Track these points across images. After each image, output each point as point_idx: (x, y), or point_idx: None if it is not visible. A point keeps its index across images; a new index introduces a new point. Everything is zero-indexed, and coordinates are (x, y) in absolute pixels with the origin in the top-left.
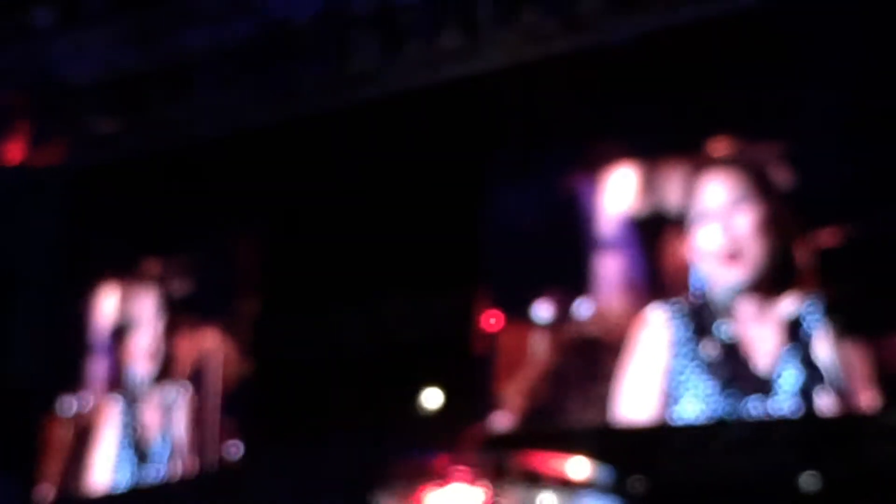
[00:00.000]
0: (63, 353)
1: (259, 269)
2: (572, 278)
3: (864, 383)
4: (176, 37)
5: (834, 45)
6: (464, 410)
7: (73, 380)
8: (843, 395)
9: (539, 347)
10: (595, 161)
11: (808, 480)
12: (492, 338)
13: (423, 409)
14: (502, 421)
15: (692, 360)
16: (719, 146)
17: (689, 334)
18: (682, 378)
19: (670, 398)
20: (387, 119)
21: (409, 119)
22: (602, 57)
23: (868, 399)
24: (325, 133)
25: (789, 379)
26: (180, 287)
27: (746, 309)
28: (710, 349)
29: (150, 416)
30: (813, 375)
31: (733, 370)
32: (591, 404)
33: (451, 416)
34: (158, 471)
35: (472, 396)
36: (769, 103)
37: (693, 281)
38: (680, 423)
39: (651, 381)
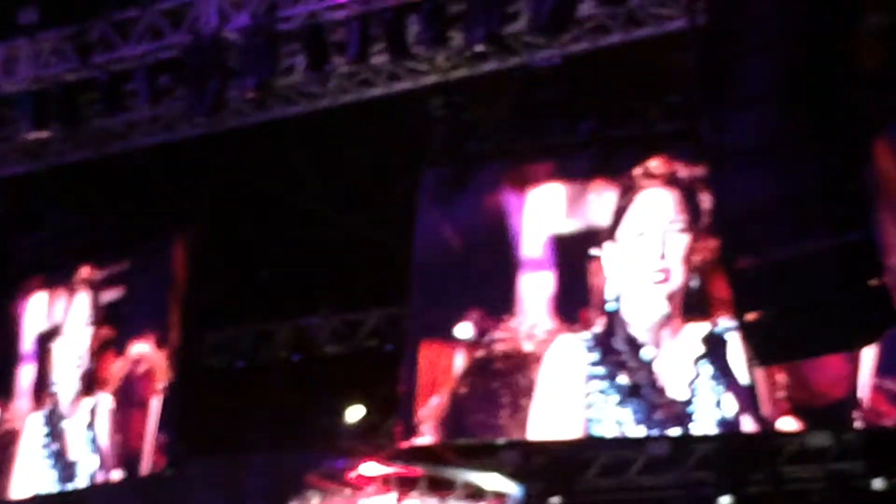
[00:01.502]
0: None
1: (189, 280)
2: (496, 297)
3: (779, 406)
4: (110, 49)
5: (758, 68)
6: (385, 424)
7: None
8: (760, 416)
9: (460, 365)
10: (523, 181)
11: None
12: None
13: (345, 422)
14: (421, 434)
15: (608, 384)
16: (652, 167)
17: (601, 360)
18: (598, 402)
19: (587, 421)
20: (316, 134)
21: (338, 135)
22: (530, 78)
23: (784, 421)
24: (254, 146)
25: (706, 401)
26: (111, 296)
27: (665, 330)
28: (625, 374)
29: (76, 425)
30: (729, 397)
31: (650, 393)
32: (511, 421)
33: (372, 429)
34: (82, 481)
35: (393, 410)
36: (694, 126)
37: (609, 301)
38: (598, 440)
39: (566, 405)
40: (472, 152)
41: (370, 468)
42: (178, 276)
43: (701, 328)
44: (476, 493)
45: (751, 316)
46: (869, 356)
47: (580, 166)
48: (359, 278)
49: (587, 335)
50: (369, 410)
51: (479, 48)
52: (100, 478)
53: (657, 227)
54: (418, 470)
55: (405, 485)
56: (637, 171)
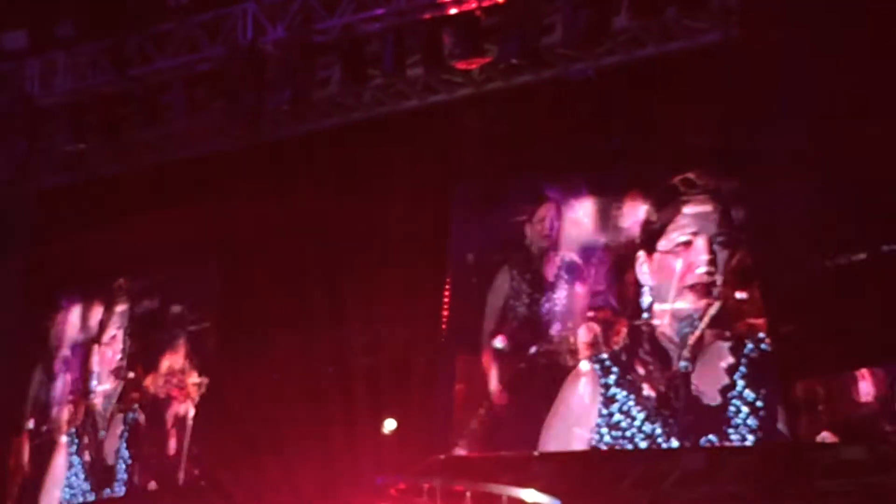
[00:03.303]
0: (28, 374)
1: (221, 293)
2: (532, 311)
3: (815, 419)
4: (147, 62)
5: (792, 83)
6: (423, 436)
7: (37, 401)
8: (795, 430)
9: (496, 378)
10: (557, 194)
11: None
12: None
13: (382, 434)
14: (460, 447)
15: (633, 400)
16: (690, 179)
17: (625, 374)
18: (622, 419)
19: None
20: (350, 147)
21: (373, 148)
22: (565, 91)
23: (820, 434)
24: (289, 159)
25: (741, 413)
26: (146, 308)
27: (700, 343)
28: (653, 385)
29: (111, 436)
30: (764, 410)
31: (682, 404)
32: (545, 433)
33: (409, 442)
34: (118, 490)
35: (431, 423)
36: (729, 141)
37: (643, 312)
38: (633, 452)
39: (580, 424)
40: (506, 166)
41: (410, 482)
42: (212, 289)
43: (736, 341)
44: None
45: (786, 329)
46: None
47: (614, 179)
48: (394, 292)
49: (616, 348)
50: (407, 423)
51: (514, 60)
52: (134, 488)
53: (697, 239)
54: (460, 485)
55: (448, 500)
56: (674, 182)
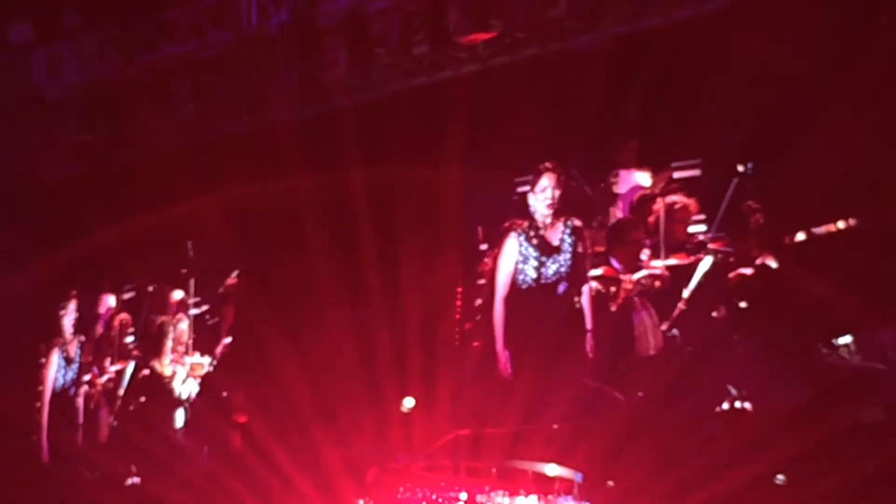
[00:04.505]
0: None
1: (239, 276)
2: (537, 273)
3: None
4: (153, 49)
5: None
6: (443, 416)
7: (55, 383)
8: None
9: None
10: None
11: None
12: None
13: (402, 414)
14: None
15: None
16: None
17: None
18: None
19: None
20: (359, 126)
21: (381, 126)
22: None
23: None
24: (299, 140)
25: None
26: (153, 293)
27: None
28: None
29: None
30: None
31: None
32: None
33: (432, 418)
34: None
35: (451, 402)
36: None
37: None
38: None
39: None
40: (508, 139)
41: (435, 461)
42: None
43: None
44: (544, 481)
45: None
46: None
47: (615, 149)
48: (409, 270)
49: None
50: (428, 403)
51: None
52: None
53: (689, 201)
54: (485, 461)
55: (475, 476)
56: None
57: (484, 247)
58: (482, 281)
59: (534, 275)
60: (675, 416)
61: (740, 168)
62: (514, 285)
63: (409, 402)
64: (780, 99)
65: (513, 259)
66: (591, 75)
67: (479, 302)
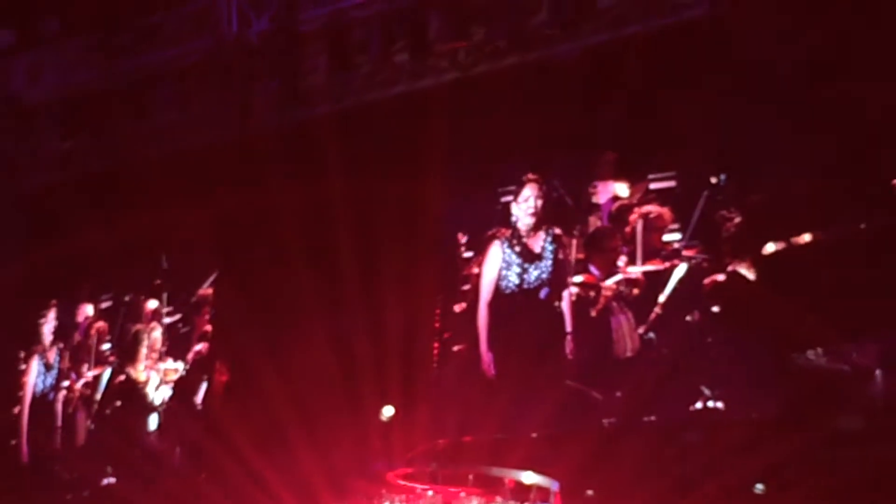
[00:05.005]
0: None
1: (219, 284)
2: (519, 279)
3: None
4: (133, 57)
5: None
6: (420, 424)
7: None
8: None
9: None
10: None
11: None
12: None
13: (381, 423)
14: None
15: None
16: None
17: None
18: None
19: None
20: (339, 134)
21: (361, 134)
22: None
23: None
24: (280, 147)
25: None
26: (129, 302)
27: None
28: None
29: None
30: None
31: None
32: None
33: (408, 430)
34: None
35: (428, 410)
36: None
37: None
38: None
39: None
40: (491, 148)
41: (412, 469)
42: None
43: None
44: (521, 489)
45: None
46: None
47: (595, 159)
48: (388, 279)
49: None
50: (405, 411)
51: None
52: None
53: (663, 210)
54: (463, 469)
55: (452, 484)
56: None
57: (469, 254)
58: (467, 286)
59: (517, 280)
60: (652, 422)
61: (713, 180)
62: (498, 290)
63: (388, 411)
64: (754, 111)
65: (497, 265)
66: (571, 84)
67: (464, 306)
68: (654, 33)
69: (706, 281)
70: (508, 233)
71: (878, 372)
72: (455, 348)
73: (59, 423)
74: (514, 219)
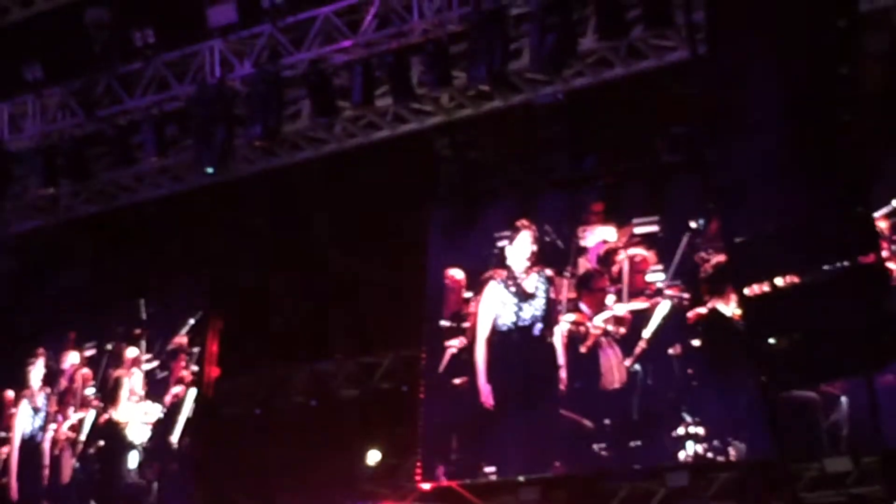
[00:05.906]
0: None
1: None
2: (515, 317)
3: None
4: (116, 102)
5: (760, 95)
6: (404, 465)
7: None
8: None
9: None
10: (530, 222)
11: None
12: None
13: (364, 465)
14: (442, 474)
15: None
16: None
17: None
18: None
19: None
20: (324, 179)
21: (346, 179)
22: (534, 114)
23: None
24: (263, 194)
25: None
26: (111, 350)
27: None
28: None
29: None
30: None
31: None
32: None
33: (391, 472)
34: None
35: (412, 451)
36: (700, 157)
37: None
38: (618, 472)
39: None
40: (480, 190)
41: None
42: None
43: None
44: None
45: (765, 343)
46: None
47: (583, 202)
48: (371, 321)
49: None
50: (388, 452)
51: (483, 87)
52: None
53: (648, 253)
54: None
55: None
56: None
57: (468, 294)
58: (466, 324)
59: (512, 318)
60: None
61: (693, 224)
62: (494, 327)
63: (374, 456)
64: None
65: (493, 304)
66: (555, 128)
67: (464, 342)
68: (635, 76)
69: (691, 314)
70: (504, 274)
71: (843, 399)
72: (458, 380)
73: (47, 462)
74: (509, 261)
